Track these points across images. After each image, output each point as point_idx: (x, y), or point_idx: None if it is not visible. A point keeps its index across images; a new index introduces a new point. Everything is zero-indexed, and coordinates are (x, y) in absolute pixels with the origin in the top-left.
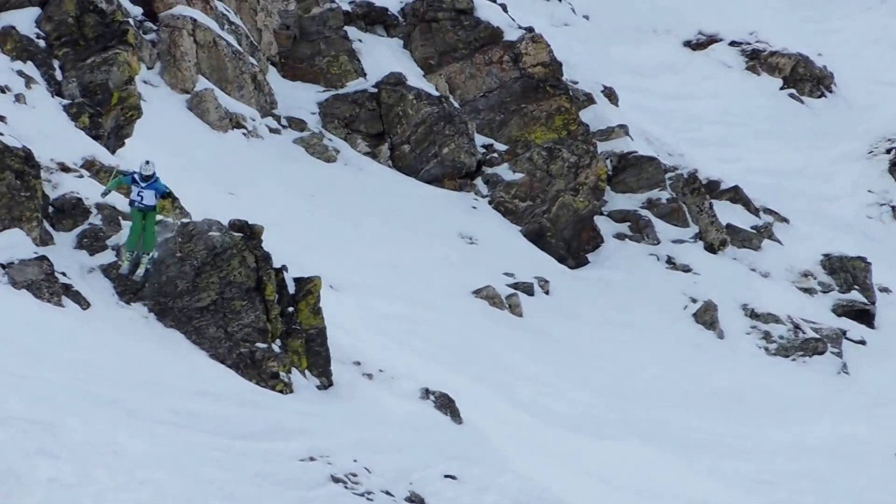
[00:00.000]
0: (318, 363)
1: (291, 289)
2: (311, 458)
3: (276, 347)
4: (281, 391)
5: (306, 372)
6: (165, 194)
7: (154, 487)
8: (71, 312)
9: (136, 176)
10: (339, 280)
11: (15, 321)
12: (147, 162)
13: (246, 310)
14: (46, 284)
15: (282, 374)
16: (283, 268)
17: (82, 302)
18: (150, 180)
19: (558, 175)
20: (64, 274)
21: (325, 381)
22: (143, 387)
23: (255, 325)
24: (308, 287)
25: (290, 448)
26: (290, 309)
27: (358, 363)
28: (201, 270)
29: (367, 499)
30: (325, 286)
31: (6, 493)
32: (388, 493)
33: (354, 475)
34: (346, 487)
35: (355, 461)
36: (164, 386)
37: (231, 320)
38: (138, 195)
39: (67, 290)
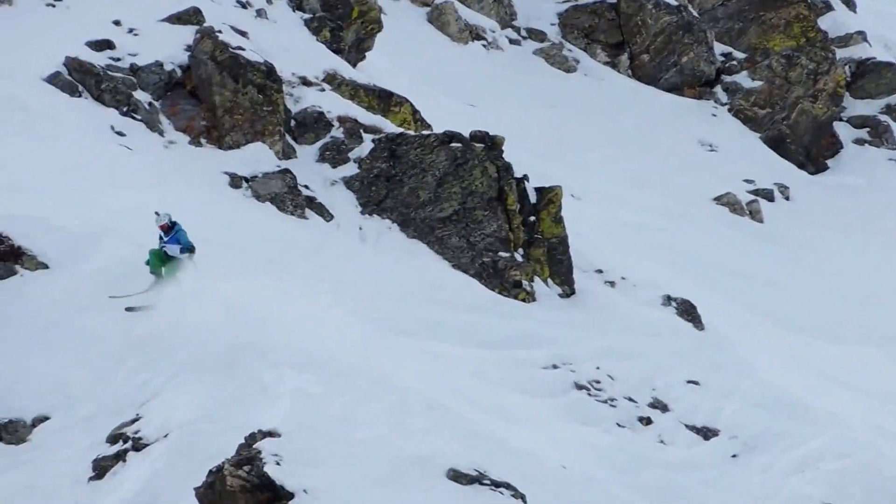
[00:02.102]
0: (561, 272)
1: (532, 198)
2: (555, 366)
3: (518, 256)
4: (524, 300)
5: (549, 280)
6: (190, 249)
7: (399, 396)
8: (314, 224)
9: (160, 235)
10: (580, 189)
11: (259, 234)
12: (157, 213)
13: (488, 219)
14: (290, 197)
15: (524, 282)
16: (525, 177)
17: (325, 214)
18: (170, 232)
19: (797, 82)
20: (307, 186)
21: (568, 290)
22: (388, 297)
23: (497, 234)
24: (549, 196)
25: (533, 356)
26: (532, 218)
27: (600, 271)
28: (443, 181)
29: (611, 405)
30: (565, 195)
31: (253, 404)
32: (631, 399)
33: (598, 382)
34: (589, 394)
35: (598, 368)
36: (409, 296)
37: (473, 230)
38: (162, 249)
39: (311, 202)
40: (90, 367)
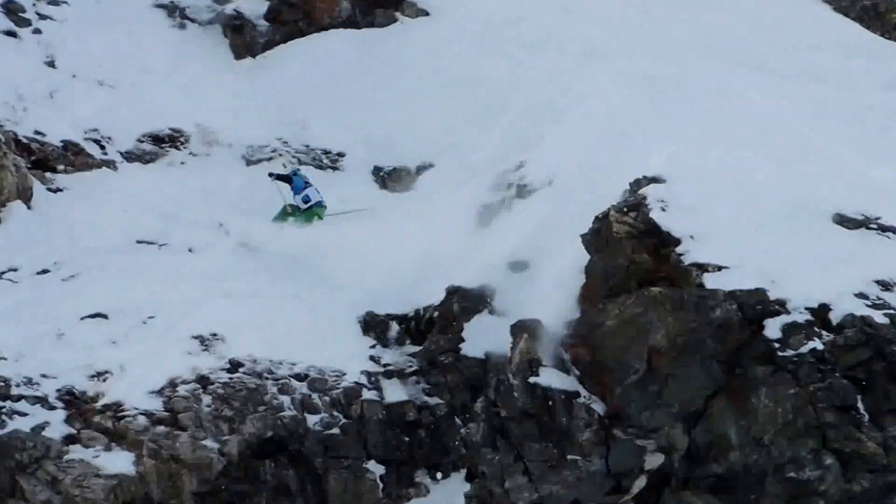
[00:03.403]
0: None
1: None
2: None
3: None
4: None
5: None
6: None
7: (783, 141)
8: None
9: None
10: None
11: None
12: (283, 166)
13: None
14: None
15: None
16: None
17: None
18: (292, 182)
19: None
20: None
21: None
22: (765, 41)
23: None
24: None
25: None
26: None
27: None
28: None
29: None
30: None
31: (637, 149)
32: None
33: None
34: None
35: None
36: (787, 40)
37: None
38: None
39: None
40: (473, 113)
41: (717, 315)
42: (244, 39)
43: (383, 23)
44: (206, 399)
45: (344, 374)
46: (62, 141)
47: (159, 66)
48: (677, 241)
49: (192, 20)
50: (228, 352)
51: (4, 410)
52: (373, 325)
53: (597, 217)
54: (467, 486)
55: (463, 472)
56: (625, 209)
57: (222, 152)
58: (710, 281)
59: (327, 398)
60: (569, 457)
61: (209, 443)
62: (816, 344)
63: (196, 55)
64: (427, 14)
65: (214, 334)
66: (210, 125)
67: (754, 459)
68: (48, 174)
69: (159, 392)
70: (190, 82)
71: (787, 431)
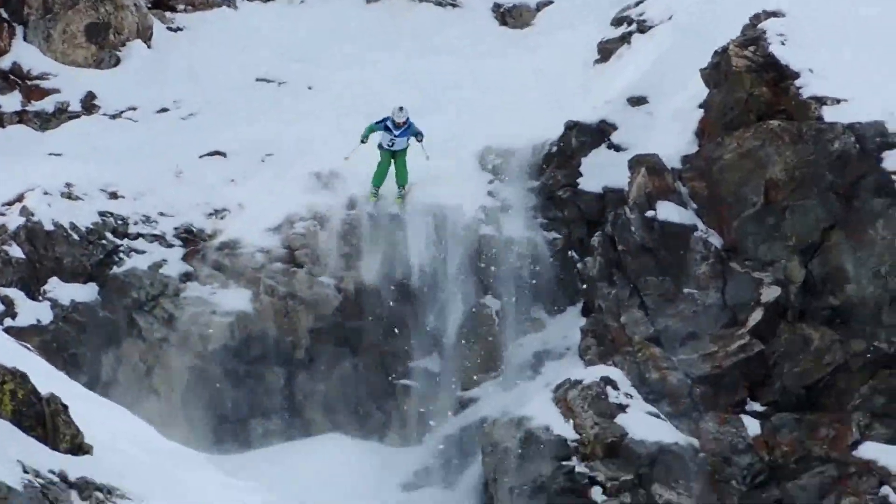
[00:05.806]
0: None
1: None
2: None
3: None
4: None
5: None
6: (418, 135)
7: None
8: None
9: (388, 123)
10: None
11: None
12: (401, 108)
13: None
14: None
15: None
16: None
17: None
18: (402, 127)
19: None
20: None
21: None
22: None
23: None
24: None
25: None
26: None
27: None
28: None
29: None
30: None
31: None
32: None
33: None
34: None
35: None
36: None
37: None
38: (390, 142)
39: None
40: None
41: (836, 147)
42: None
43: None
44: (324, 236)
45: (462, 209)
46: None
47: None
48: (796, 75)
49: None
50: (347, 189)
51: (122, 248)
52: (490, 161)
53: (716, 51)
54: (583, 321)
55: (579, 306)
56: (744, 43)
57: None
58: (829, 114)
59: (445, 233)
60: (685, 290)
61: (326, 279)
62: None
63: None
64: None
65: (333, 172)
66: None
67: (871, 291)
68: (168, 14)
69: (277, 229)
70: None
71: None
